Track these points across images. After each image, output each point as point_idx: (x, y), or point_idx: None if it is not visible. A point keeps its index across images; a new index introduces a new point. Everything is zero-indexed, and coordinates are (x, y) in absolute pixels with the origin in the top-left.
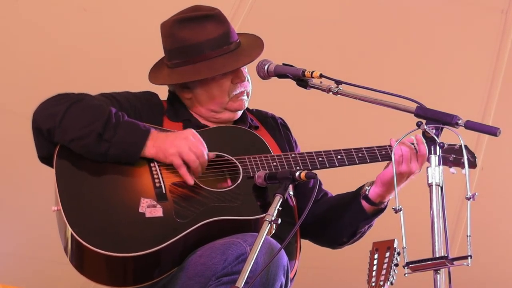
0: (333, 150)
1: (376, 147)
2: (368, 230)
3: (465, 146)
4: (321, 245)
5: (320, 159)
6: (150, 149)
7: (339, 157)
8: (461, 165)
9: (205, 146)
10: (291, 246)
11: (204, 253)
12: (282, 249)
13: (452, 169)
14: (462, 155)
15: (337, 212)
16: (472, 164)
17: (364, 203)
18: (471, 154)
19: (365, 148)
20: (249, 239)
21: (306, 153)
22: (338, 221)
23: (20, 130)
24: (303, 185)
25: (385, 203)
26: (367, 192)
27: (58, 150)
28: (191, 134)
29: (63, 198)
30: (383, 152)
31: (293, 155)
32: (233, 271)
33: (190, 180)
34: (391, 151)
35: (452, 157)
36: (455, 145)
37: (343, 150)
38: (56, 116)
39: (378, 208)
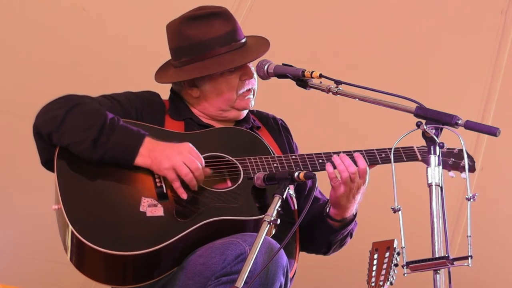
0: (334, 152)
1: (376, 150)
2: (348, 238)
3: (463, 150)
4: (309, 253)
5: (320, 161)
6: (145, 158)
7: None
8: (460, 169)
9: (202, 160)
10: (290, 246)
11: (204, 253)
12: (282, 249)
13: (451, 173)
14: (461, 159)
15: (311, 226)
16: (471, 168)
17: (329, 220)
18: (470, 158)
19: (365, 150)
20: (249, 239)
21: (306, 154)
22: (313, 234)
23: (20, 131)
24: (302, 186)
25: (348, 218)
26: (328, 211)
27: (59, 150)
28: (188, 149)
29: (64, 197)
30: (383, 155)
31: (293, 156)
32: (232, 270)
33: (184, 195)
34: (391, 153)
35: (451, 160)
36: (454, 149)
37: (343, 152)
38: (55, 121)
39: (343, 223)
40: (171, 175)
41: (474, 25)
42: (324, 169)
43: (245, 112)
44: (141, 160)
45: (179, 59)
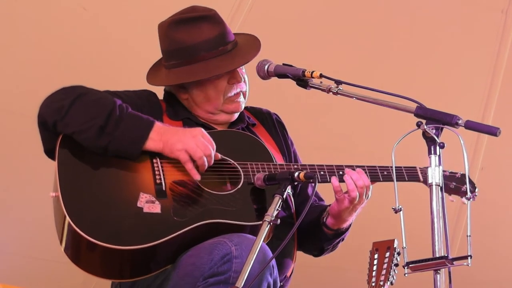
0: (336, 165)
1: (379, 167)
2: (339, 243)
3: (465, 175)
4: (301, 251)
5: (322, 173)
6: (156, 142)
7: (341, 172)
8: (461, 194)
9: (214, 145)
10: (289, 245)
11: (194, 253)
12: (269, 249)
13: (451, 197)
14: (463, 184)
15: (307, 231)
16: (472, 196)
17: (324, 228)
18: (471, 184)
19: (367, 166)
20: (235, 239)
21: (308, 165)
22: (308, 239)
23: (20, 130)
24: (297, 186)
25: (343, 229)
26: (324, 220)
27: (61, 139)
28: (200, 133)
29: (63, 185)
30: (385, 173)
31: (295, 166)
32: (219, 271)
33: (197, 175)
34: (393, 172)
35: (453, 185)
36: (456, 173)
37: (346, 166)
38: (61, 110)
39: (338, 233)
40: (184, 157)
41: (474, 24)
42: (326, 182)
43: (236, 115)
44: (152, 144)
45: (168, 61)
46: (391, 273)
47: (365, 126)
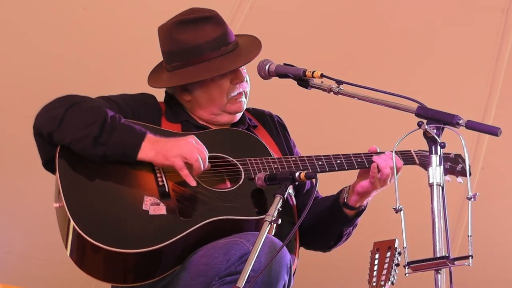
0: (333, 155)
1: (375, 153)
2: (353, 230)
3: (459, 155)
4: (312, 249)
5: (320, 163)
6: (148, 152)
7: (338, 161)
8: (456, 173)
9: (206, 150)
10: (291, 243)
11: (206, 253)
12: (285, 248)
13: (447, 177)
14: (457, 164)
15: (321, 220)
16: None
17: (345, 209)
18: (465, 162)
19: (363, 154)
20: (252, 238)
21: (306, 156)
22: (323, 228)
23: (20, 130)
24: (301, 184)
25: (364, 205)
26: (345, 200)
27: (60, 149)
28: (193, 138)
29: (66, 194)
30: None
31: (293, 158)
32: (237, 270)
33: (193, 182)
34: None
35: (448, 165)
36: (450, 153)
37: (343, 155)
38: (55, 120)
39: (359, 211)
40: (179, 163)
41: (475, 24)
42: (324, 171)
43: (238, 116)
44: (143, 154)
45: (170, 63)
46: (392, 273)
47: (366, 126)
